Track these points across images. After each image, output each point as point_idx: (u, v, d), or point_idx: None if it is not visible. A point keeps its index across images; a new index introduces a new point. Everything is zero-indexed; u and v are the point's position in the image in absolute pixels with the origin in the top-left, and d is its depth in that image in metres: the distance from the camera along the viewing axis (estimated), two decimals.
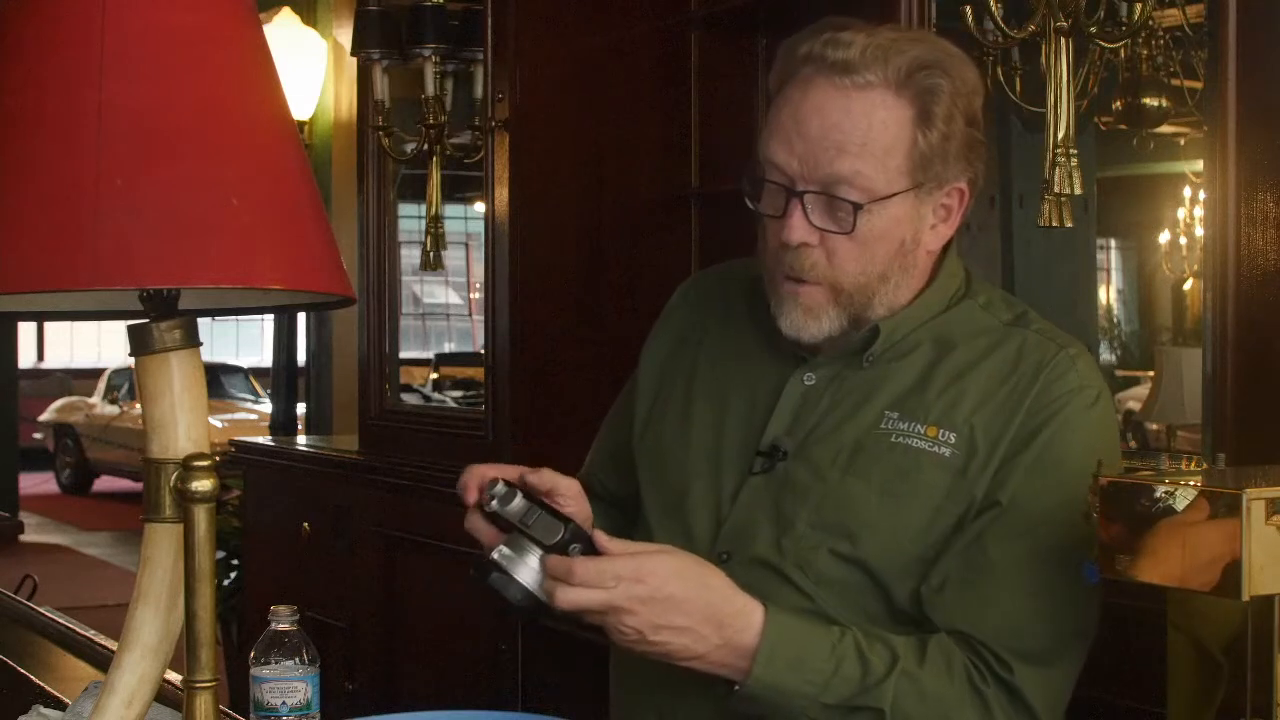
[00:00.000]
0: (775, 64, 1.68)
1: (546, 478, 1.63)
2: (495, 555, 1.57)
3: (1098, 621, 1.63)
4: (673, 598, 1.51)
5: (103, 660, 2.14)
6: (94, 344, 19.26)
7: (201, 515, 1.24)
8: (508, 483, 1.61)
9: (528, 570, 1.55)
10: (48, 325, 17.18)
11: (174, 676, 1.50)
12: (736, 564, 1.64)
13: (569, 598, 1.50)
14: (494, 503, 1.60)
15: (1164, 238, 3.72)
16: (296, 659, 1.68)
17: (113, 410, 13.88)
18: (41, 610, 2.59)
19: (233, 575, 4.80)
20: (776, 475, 1.67)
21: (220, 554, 4.61)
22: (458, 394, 4.90)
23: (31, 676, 2.10)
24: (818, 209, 1.60)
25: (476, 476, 1.62)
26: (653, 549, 1.57)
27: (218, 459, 1.26)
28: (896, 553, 1.61)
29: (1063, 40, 2.29)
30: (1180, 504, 1.40)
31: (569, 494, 1.62)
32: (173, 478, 1.25)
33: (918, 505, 1.61)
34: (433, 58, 3.74)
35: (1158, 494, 1.42)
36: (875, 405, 1.66)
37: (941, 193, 1.65)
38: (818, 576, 1.61)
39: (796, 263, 1.62)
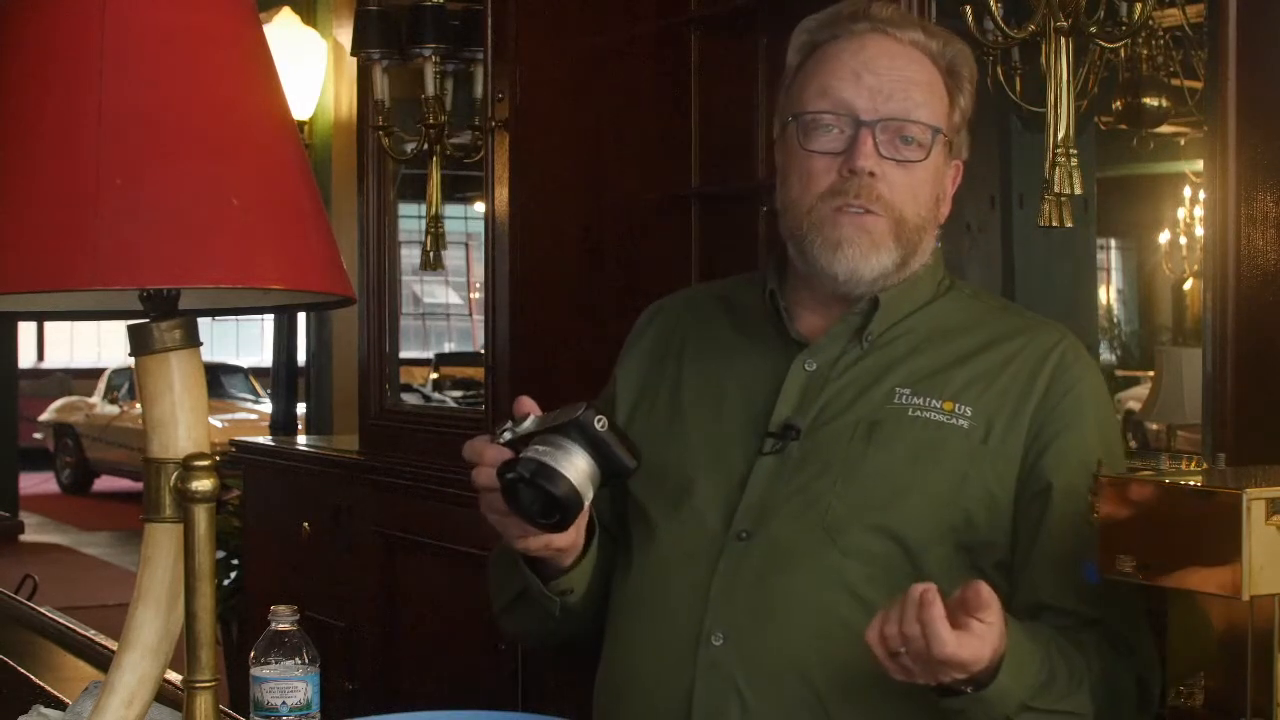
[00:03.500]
0: (797, 39, 1.75)
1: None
2: (530, 452, 1.54)
3: None
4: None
5: (103, 660, 2.14)
6: (94, 344, 19.25)
7: (201, 515, 1.24)
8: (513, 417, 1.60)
9: (567, 459, 1.53)
10: (48, 325, 17.17)
11: (174, 676, 1.50)
12: (757, 542, 1.64)
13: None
14: (505, 434, 1.59)
15: (1164, 238, 3.72)
16: (296, 659, 1.68)
17: (113, 410, 13.87)
18: (41, 610, 2.59)
19: (233, 575, 4.80)
20: (790, 454, 1.67)
21: (220, 554, 4.61)
22: (458, 394, 4.90)
23: (31, 676, 2.09)
24: (884, 140, 1.66)
25: (480, 439, 1.62)
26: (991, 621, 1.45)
27: (218, 459, 1.26)
28: (927, 519, 1.63)
29: (1063, 40, 2.29)
30: (1180, 504, 1.40)
31: None
32: (173, 477, 1.25)
33: (944, 472, 1.64)
34: (433, 58, 3.73)
35: (1157, 494, 1.42)
36: (885, 384, 1.69)
37: (953, 163, 1.74)
38: (847, 548, 1.62)
39: (865, 191, 1.65)
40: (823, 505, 1.64)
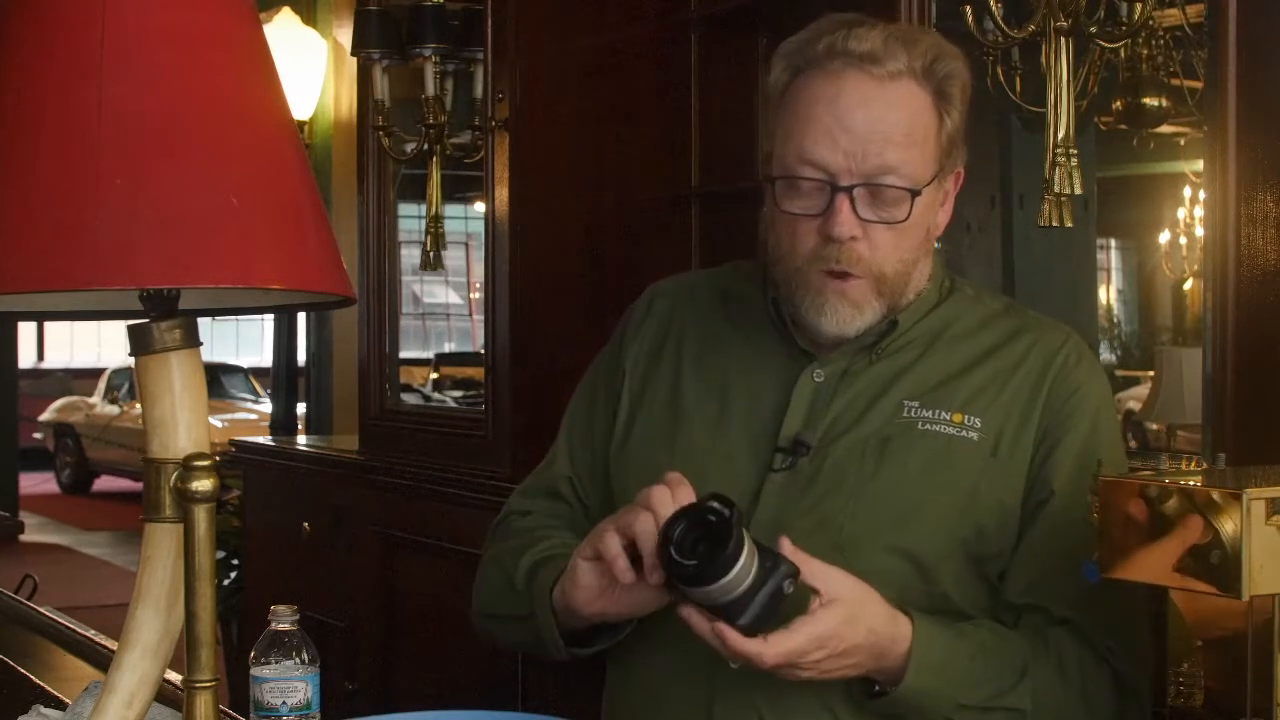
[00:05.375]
0: (778, 64, 1.68)
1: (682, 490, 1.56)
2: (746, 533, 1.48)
3: None
4: (847, 648, 1.52)
5: (103, 660, 2.14)
6: (94, 344, 19.26)
7: (201, 515, 1.24)
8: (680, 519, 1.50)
9: (746, 566, 1.47)
10: (48, 325, 17.17)
11: (174, 676, 1.50)
12: None
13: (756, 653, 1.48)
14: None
15: (1164, 238, 3.71)
16: (296, 659, 1.68)
17: (113, 410, 13.88)
18: (41, 610, 2.59)
19: (233, 575, 4.80)
20: (801, 471, 1.66)
21: (220, 554, 4.61)
22: (458, 394, 4.90)
23: (31, 676, 2.10)
24: (863, 202, 1.62)
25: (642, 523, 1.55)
26: (829, 601, 1.51)
27: (218, 459, 1.26)
28: (940, 535, 1.63)
29: (1063, 40, 2.29)
30: (1180, 503, 1.40)
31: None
32: (173, 477, 1.25)
33: (956, 487, 1.64)
34: (433, 58, 3.73)
35: (1157, 494, 1.42)
36: (892, 397, 1.68)
37: (950, 177, 1.71)
38: (864, 567, 1.60)
39: (845, 257, 1.63)
40: (835, 525, 1.63)
